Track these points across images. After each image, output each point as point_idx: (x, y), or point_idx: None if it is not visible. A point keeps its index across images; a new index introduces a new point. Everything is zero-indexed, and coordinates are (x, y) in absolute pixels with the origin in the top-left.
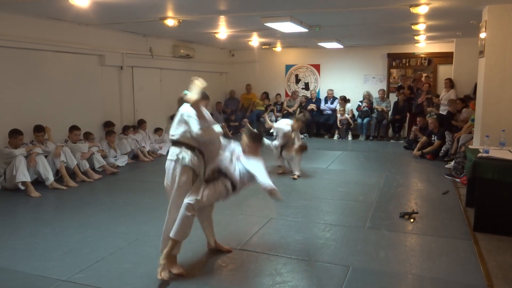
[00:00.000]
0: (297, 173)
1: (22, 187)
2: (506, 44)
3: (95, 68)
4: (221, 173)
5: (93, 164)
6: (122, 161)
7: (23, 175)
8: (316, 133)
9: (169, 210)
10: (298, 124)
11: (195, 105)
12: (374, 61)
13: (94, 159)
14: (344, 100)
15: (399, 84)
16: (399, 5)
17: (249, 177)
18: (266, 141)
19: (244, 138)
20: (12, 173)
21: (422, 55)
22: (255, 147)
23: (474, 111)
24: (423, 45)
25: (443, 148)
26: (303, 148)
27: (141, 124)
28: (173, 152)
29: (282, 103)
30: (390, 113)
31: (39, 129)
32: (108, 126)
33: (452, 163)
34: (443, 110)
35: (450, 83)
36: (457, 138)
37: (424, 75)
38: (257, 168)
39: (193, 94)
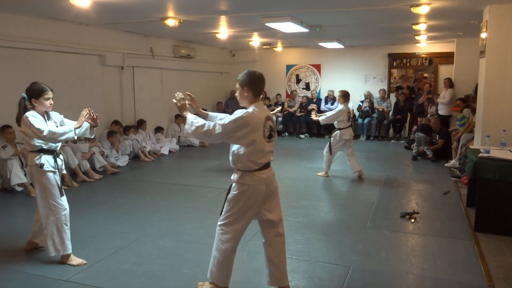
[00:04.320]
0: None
1: (19, 189)
2: (507, 44)
3: (95, 68)
4: None
5: (94, 164)
6: (123, 161)
7: (18, 178)
8: (317, 133)
9: None
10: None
11: None
12: (375, 61)
13: (95, 159)
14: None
15: (398, 84)
16: (400, 5)
17: None
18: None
19: None
20: (7, 176)
21: (423, 55)
22: None
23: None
24: (424, 45)
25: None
26: None
27: (141, 124)
28: None
29: (283, 103)
30: (391, 113)
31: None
32: (115, 125)
33: (452, 161)
34: (440, 109)
35: (449, 83)
36: (458, 138)
37: (424, 75)
38: None
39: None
